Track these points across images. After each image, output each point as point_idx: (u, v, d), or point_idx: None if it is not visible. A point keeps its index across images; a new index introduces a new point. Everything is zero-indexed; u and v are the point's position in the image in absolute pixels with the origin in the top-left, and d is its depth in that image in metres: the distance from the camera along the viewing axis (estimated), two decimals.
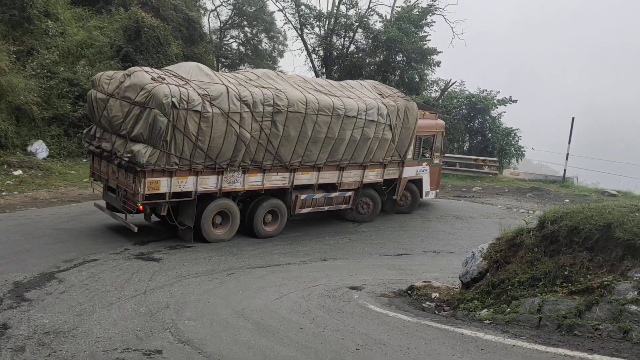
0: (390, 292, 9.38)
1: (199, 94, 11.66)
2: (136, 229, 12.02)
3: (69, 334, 6.90)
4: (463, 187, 24.13)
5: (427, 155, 17.97)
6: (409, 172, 17.13)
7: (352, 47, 31.89)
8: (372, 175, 16.00)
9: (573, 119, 25.97)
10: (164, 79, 11.70)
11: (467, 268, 8.78)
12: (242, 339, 6.88)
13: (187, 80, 11.98)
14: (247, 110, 12.38)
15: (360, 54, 31.74)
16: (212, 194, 12.75)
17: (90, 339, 6.78)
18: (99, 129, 12.88)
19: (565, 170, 26.05)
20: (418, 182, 17.74)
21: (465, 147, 29.08)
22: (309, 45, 33.49)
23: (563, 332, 6.43)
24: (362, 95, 15.28)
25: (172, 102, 11.15)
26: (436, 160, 18.25)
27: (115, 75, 12.46)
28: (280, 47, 42.69)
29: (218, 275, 10.17)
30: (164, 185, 11.84)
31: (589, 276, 6.83)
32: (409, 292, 9.28)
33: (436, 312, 8.44)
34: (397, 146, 15.96)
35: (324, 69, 32.17)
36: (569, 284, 6.91)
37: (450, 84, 30.52)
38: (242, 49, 42.44)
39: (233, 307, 8.19)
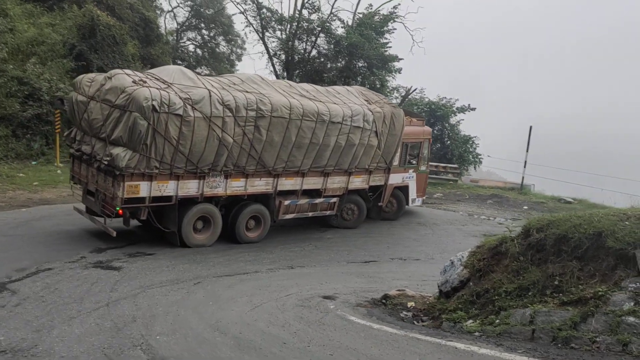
0: (364, 301, 9.19)
1: (180, 98, 11.54)
2: (114, 234, 11.87)
3: (28, 353, 6.37)
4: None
5: (414, 162, 17.91)
6: (395, 178, 17.07)
7: (314, 52, 31.75)
8: (358, 182, 15.91)
9: (531, 127, 26.20)
10: (145, 82, 11.57)
11: (446, 277, 8.61)
12: (223, 356, 6.51)
13: (170, 83, 11.86)
14: (230, 114, 12.27)
15: (322, 59, 31.57)
16: (194, 198, 12.61)
17: (53, 358, 6.28)
18: (79, 131, 12.73)
19: (523, 177, 26.17)
20: (404, 189, 17.67)
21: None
22: (270, 49, 33.12)
23: (559, 345, 6.22)
24: (348, 101, 15.22)
25: (153, 105, 11.02)
26: (423, 168, 18.19)
27: (96, 78, 12.33)
28: (238, 50, 42.15)
29: (184, 285, 9.74)
30: (144, 189, 11.70)
31: (580, 286, 6.69)
32: (384, 301, 9.12)
33: (415, 322, 8.30)
34: (383, 153, 15.88)
35: (285, 73, 31.76)
36: (560, 294, 6.78)
37: (410, 91, 30.48)
38: (199, 51, 41.82)
39: (206, 320, 7.83)
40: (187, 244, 12.60)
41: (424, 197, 19.04)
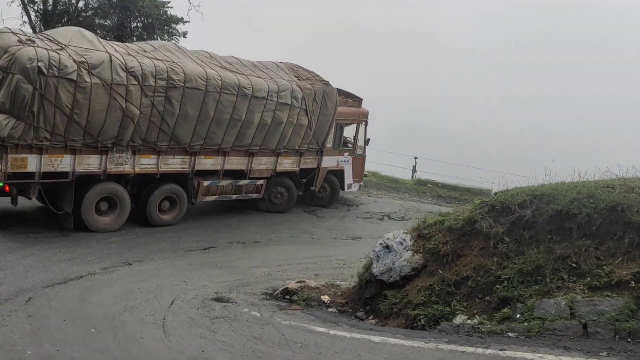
0: (262, 299, 8.09)
1: (74, 61, 10.29)
2: (0, 213, 10.55)
3: None
4: None
5: (350, 145, 17.02)
6: (329, 162, 16.14)
7: (82, 4, 25.84)
8: (287, 164, 14.92)
9: None
10: (33, 42, 10.27)
11: (385, 264, 7.47)
12: None
13: (64, 45, 10.59)
14: (135, 82, 11.08)
15: (90, 13, 25.97)
16: (95, 176, 11.36)
17: None
18: None
19: None
20: (339, 174, 16.74)
21: None
22: None
23: (629, 340, 5.33)
24: (275, 76, 14.18)
25: (39, 67, 9.76)
26: (359, 151, 17.31)
27: None
28: None
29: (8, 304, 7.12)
30: (32, 163, 10.40)
31: (604, 267, 5.99)
32: (288, 297, 8.06)
33: (359, 319, 7.21)
34: (314, 133, 14.93)
35: (42, 26, 24.72)
36: (583, 278, 6.03)
37: None
38: None
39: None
40: (89, 228, 11.34)
41: (361, 183, 18.17)
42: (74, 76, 10.21)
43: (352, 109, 16.76)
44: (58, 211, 11.11)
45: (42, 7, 24.92)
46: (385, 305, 7.15)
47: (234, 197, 14.22)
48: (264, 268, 10.11)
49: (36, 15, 24.98)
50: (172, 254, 10.62)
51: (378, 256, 7.59)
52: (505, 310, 6.22)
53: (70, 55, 10.32)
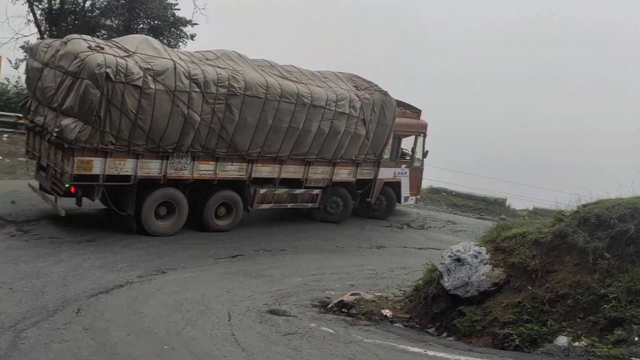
0: (324, 312, 7.89)
1: (140, 67, 10.52)
2: (63, 213, 10.88)
3: None
4: None
5: (407, 157, 16.72)
6: (386, 173, 15.89)
7: (89, 3, 24.92)
8: (343, 174, 14.78)
9: None
10: (102, 48, 10.58)
11: (459, 278, 7.13)
12: None
13: (132, 52, 10.86)
14: (197, 90, 11.23)
15: (95, 13, 24.95)
16: (156, 180, 11.57)
17: None
18: (34, 101, 11.78)
19: None
20: (396, 186, 16.46)
21: None
22: None
23: None
24: (334, 85, 14.11)
25: (107, 73, 10.02)
26: (417, 164, 16.97)
27: (53, 43, 11.37)
28: None
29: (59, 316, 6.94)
30: (97, 166, 10.68)
31: None
32: (345, 310, 7.81)
33: (434, 335, 6.92)
34: (371, 144, 14.74)
35: (47, 25, 24.33)
36: None
37: None
38: None
39: None
40: (147, 231, 11.54)
41: (418, 196, 17.80)
42: (139, 82, 10.45)
43: (411, 120, 16.48)
44: (122, 213, 11.37)
45: (47, 6, 24.04)
46: (463, 323, 6.81)
47: (289, 205, 14.19)
48: (298, 278, 10.04)
49: (41, 14, 24.11)
50: (202, 262, 10.42)
51: (449, 269, 7.25)
52: (618, 332, 5.76)
53: (136, 62, 10.57)
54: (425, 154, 16.98)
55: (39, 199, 12.16)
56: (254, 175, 12.96)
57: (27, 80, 11.97)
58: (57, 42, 11.28)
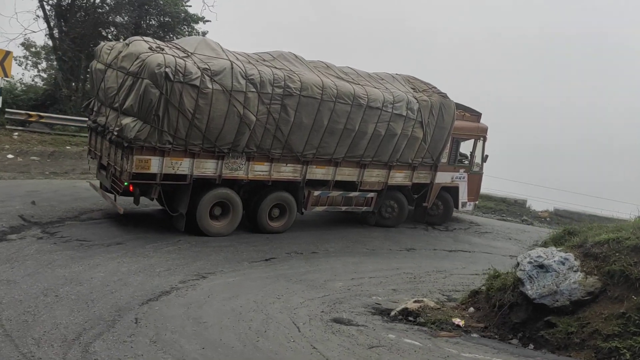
0: (388, 320, 7.61)
1: (198, 67, 10.61)
2: (122, 210, 11.11)
3: None
4: None
5: (466, 161, 16.19)
6: (443, 177, 15.43)
7: (99, 0, 24.39)
8: (399, 177, 14.46)
9: None
10: (162, 49, 10.75)
11: (545, 286, 6.73)
12: None
13: (190, 53, 10.98)
14: (253, 90, 11.24)
15: (105, 9, 24.46)
16: (211, 180, 11.64)
17: None
18: (97, 102, 12.11)
19: None
20: (453, 191, 15.97)
21: None
22: None
23: None
24: (391, 87, 13.83)
25: (166, 72, 10.15)
26: (476, 168, 16.42)
27: (116, 46, 11.67)
28: None
29: (119, 327, 6.78)
30: (155, 165, 10.83)
31: None
32: (411, 318, 7.52)
33: (517, 347, 6.57)
34: (429, 147, 14.35)
35: (55, 21, 23.83)
36: None
37: None
38: None
39: None
40: (202, 231, 11.61)
41: (477, 202, 17.20)
42: (197, 82, 10.53)
43: (470, 124, 15.97)
44: (173, 213, 11.48)
45: (56, 2, 23.43)
46: (555, 334, 6.37)
47: (343, 208, 13.99)
48: (339, 282, 9.85)
49: (50, 10, 23.49)
50: (238, 266, 10.13)
51: (531, 277, 6.86)
52: None
53: (195, 63, 10.67)
54: (485, 159, 16.40)
55: (59, 199, 12.54)
56: (308, 176, 12.84)
57: (91, 81, 12.32)
58: (119, 44, 11.58)
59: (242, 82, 11.10)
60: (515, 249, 14.23)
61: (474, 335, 6.93)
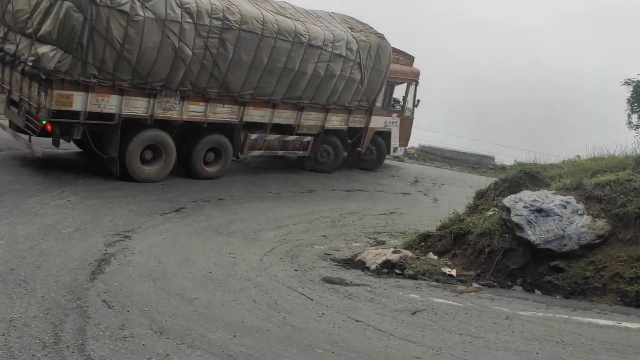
0: (373, 275, 7.17)
1: None
2: (40, 153, 9.83)
3: None
4: None
5: (398, 105, 16.07)
6: (377, 122, 15.23)
7: None
8: (336, 121, 14.04)
9: None
10: None
11: (549, 230, 6.53)
12: None
13: None
14: (190, 20, 10.17)
15: None
16: (142, 120, 10.56)
17: None
18: (3, 27, 10.42)
19: None
20: (386, 135, 15.84)
21: None
22: None
23: None
24: (330, 25, 13.19)
25: None
26: (408, 113, 16.36)
27: None
28: None
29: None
30: (78, 101, 9.60)
31: None
32: (398, 270, 7.14)
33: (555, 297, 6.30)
34: (365, 90, 13.98)
35: None
36: None
37: None
38: None
39: None
40: (132, 177, 10.59)
41: (407, 147, 17.28)
42: (126, 8, 9.33)
43: (404, 67, 15.75)
44: (104, 155, 10.35)
45: None
46: (567, 279, 6.21)
47: (280, 153, 13.44)
48: (269, 232, 9.13)
49: None
50: (153, 220, 8.79)
51: (530, 221, 6.68)
52: None
53: None
54: (416, 104, 16.36)
55: None
56: (245, 119, 12.07)
57: None
58: None
59: (177, 10, 10.00)
60: (402, 186, 14.95)
61: (477, 285, 6.72)
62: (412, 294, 6.49)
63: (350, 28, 13.81)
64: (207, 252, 7.71)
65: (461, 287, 6.65)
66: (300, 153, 13.78)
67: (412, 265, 7.09)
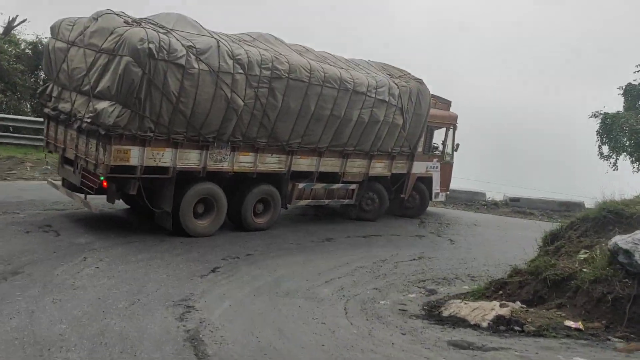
0: (487, 333, 6.61)
1: (182, 45, 9.43)
2: (98, 209, 9.64)
3: None
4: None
5: (438, 150, 15.91)
6: (419, 167, 15.02)
7: None
8: (379, 167, 13.86)
9: None
10: (139, 23, 9.46)
11: None
12: None
13: (169, 29, 9.75)
14: (241, 71, 10.19)
15: None
16: (194, 172, 10.42)
17: None
18: (56, 87, 10.48)
19: None
20: (427, 181, 15.61)
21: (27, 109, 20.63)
22: None
23: None
24: (370, 72, 13.24)
25: (149, 48, 8.90)
26: (448, 158, 16.18)
27: (79, 21, 10.14)
28: None
29: None
30: (135, 156, 9.49)
31: None
32: (515, 327, 6.58)
33: None
34: (407, 135, 13.87)
35: None
36: None
37: (16, 22, 21.45)
38: None
39: None
40: (185, 231, 10.35)
41: (448, 193, 16.98)
42: (182, 61, 9.35)
43: (442, 112, 15.70)
44: (156, 210, 10.15)
45: None
46: None
47: (326, 202, 13.20)
48: (323, 289, 8.65)
49: None
50: (198, 284, 8.10)
51: (625, 252, 6.26)
52: None
53: (177, 39, 9.48)
54: (456, 148, 16.20)
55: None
56: (293, 168, 11.92)
57: (47, 63, 10.67)
58: (84, 19, 10.06)
59: (230, 62, 10.03)
60: (412, 228, 14.52)
61: (611, 341, 6.13)
62: (577, 357, 5.78)
63: (389, 74, 13.86)
64: (292, 320, 7.13)
65: (620, 345, 6.02)
66: (346, 201, 13.53)
67: (529, 320, 6.53)
